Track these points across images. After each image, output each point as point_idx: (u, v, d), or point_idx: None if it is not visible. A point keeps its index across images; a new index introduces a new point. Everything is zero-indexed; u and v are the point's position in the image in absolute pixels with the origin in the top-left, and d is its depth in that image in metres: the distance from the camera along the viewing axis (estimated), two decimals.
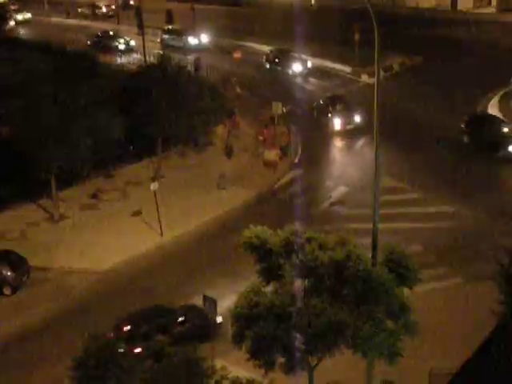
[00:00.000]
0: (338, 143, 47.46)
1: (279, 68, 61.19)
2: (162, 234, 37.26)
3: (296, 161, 45.19)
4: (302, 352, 19.38)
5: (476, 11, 78.26)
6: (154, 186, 36.81)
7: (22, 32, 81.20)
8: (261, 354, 19.46)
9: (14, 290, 33.47)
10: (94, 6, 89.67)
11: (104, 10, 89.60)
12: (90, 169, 40.27)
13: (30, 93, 37.46)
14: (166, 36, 71.93)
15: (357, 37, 58.82)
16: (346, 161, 45.38)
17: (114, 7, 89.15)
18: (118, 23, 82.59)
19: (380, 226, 21.69)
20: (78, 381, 20.05)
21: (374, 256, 21.10)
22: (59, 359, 26.41)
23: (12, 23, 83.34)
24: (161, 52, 52.65)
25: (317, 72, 60.52)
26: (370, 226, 21.75)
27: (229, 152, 46.13)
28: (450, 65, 58.93)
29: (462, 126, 44.46)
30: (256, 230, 21.17)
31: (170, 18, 77.76)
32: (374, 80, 24.02)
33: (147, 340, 26.71)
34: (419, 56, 62.07)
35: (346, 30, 63.02)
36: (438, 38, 67.03)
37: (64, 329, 30.31)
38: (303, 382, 20.85)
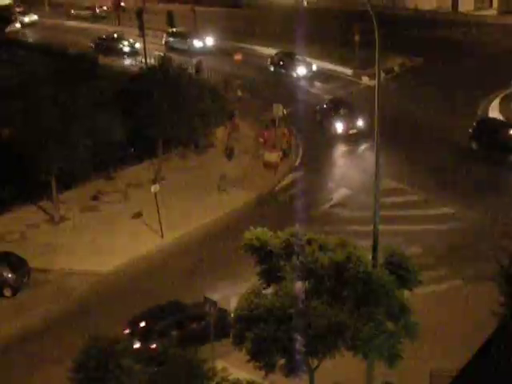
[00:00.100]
0: (340, 147, 47.21)
1: (283, 71, 61.07)
2: (162, 236, 37.26)
3: (297, 163, 45.20)
4: (303, 354, 19.38)
5: (477, 13, 78.21)
6: (154, 187, 36.81)
7: (28, 34, 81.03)
8: (261, 355, 19.47)
9: (15, 292, 33.48)
10: (91, 8, 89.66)
11: (97, 11, 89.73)
12: (90, 170, 40.33)
13: (30, 95, 37.49)
14: (170, 38, 71.74)
15: (357, 38, 58.83)
16: (347, 163, 45.32)
17: (105, 8, 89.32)
18: (119, 25, 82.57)
19: (380, 227, 21.69)
20: (78, 382, 20.04)
21: (374, 258, 21.11)
22: (60, 360, 26.40)
23: (18, 25, 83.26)
24: (161, 54, 52.52)
25: (321, 75, 60.41)
26: (371, 227, 21.76)
27: (229, 154, 46.16)
28: (451, 66, 58.92)
29: (470, 130, 44.04)
30: (256, 232, 21.19)
31: (170, 20, 77.66)
32: (374, 82, 24.06)
33: (163, 336, 27.27)
34: (420, 57, 62.06)
35: (345, 31, 63.03)
36: (438, 40, 67.02)
37: (64, 330, 30.33)
38: (303, 383, 20.84)
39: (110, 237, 37.48)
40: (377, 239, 21.47)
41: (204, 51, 68.40)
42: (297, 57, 60.74)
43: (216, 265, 33.99)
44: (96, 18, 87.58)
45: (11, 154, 38.01)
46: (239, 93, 55.08)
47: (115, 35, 72.31)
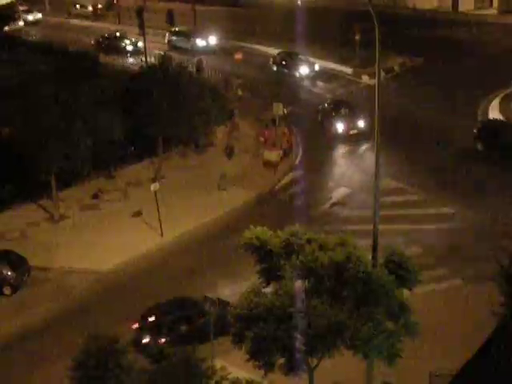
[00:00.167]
0: (340, 147, 46.97)
1: (286, 70, 60.89)
2: (162, 235, 37.26)
3: (297, 162, 45.20)
4: (302, 353, 19.39)
5: (477, 12, 78.17)
6: (154, 186, 36.81)
7: (30, 32, 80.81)
8: (261, 354, 19.48)
9: (15, 290, 33.47)
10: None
11: (90, 9, 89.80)
12: (90, 169, 40.29)
13: (31, 93, 37.48)
14: (173, 37, 71.57)
15: (357, 37, 58.80)
16: (348, 163, 45.24)
17: (100, 6, 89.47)
18: (119, 23, 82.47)
19: (380, 227, 21.70)
20: (77, 381, 20.06)
21: (374, 257, 21.12)
22: (59, 359, 26.43)
23: (21, 23, 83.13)
24: (161, 52, 52.50)
25: (323, 74, 60.28)
26: (371, 227, 21.76)
27: (229, 153, 46.14)
28: (451, 66, 58.89)
29: (475, 131, 43.83)
30: (256, 231, 21.21)
31: (171, 19, 77.52)
32: (374, 81, 24.04)
33: (172, 330, 27.69)
34: (420, 57, 62.02)
35: (345, 31, 63.01)
36: (438, 39, 66.97)
37: (64, 329, 30.34)
38: (303, 383, 20.85)
39: (110, 235, 37.47)
40: (377, 239, 21.48)
41: (207, 50, 68.22)
42: (299, 56, 60.60)
43: (216, 264, 33.99)
44: (96, 17, 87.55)
45: (11, 153, 37.98)
46: (240, 92, 55.05)
47: (118, 34, 72.03)
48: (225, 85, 55.57)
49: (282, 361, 19.65)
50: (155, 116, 41.32)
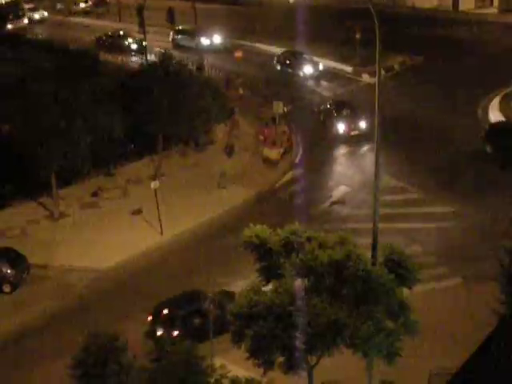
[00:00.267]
0: (341, 147, 46.80)
1: (290, 70, 60.75)
2: (162, 233, 37.28)
3: (297, 161, 45.19)
4: (302, 351, 19.39)
5: (477, 11, 78.16)
6: (154, 184, 36.82)
7: (35, 30, 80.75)
8: (260, 353, 19.48)
9: (14, 288, 33.51)
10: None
11: (82, 6, 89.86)
12: (90, 167, 40.30)
13: (30, 91, 37.46)
14: (177, 36, 71.39)
15: (358, 36, 58.76)
16: (348, 163, 45.18)
17: (90, 3, 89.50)
18: (120, 21, 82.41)
19: (380, 225, 21.71)
20: (77, 379, 20.06)
21: (373, 256, 21.12)
22: (59, 357, 26.40)
23: (25, 21, 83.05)
24: (162, 50, 52.47)
25: (327, 74, 60.10)
26: (370, 225, 21.77)
27: (229, 151, 46.16)
28: (451, 65, 58.86)
29: (483, 134, 43.36)
30: (256, 229, 21.20)
31: (171, 17, 77.38)
32: (374, 80, 24.02)
33: (185, 323, 27.98)
34: (420, 56, 62.00)
35: (346, 29, 62.97)
36: (439, 38, 66.95)
37: (64, 326, 30.36)
38: (302, 381, 20.85)
39: (110, 233, 37.50)
40: (376, 237, 21.49)
41: (211, 49, 68.05)
42: (304, 56, 60.44)
43: (215, 262, 33.98)
44: (85, 14, 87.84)
45: (11, 151, 37.98)
46: (240, 90, 55.03)
47: (121, 32, 71.58)
48: (225, 83, 55.58)
49: (281, 359, 19.64)
50: (155, 114, 41.34)
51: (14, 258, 34.16)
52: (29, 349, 29.23)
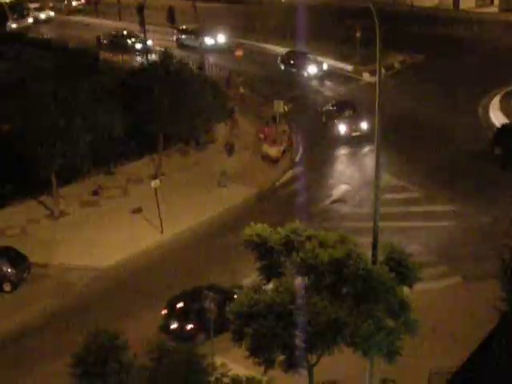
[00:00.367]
0: (341, 147, 46.52)
1: (294, 70, 60.61)
2: (162, 232, 37.27)
3: (297, 159, 45.17)
4: (302, 350, 19.37)
5: (478, 10, 78.20)
6: (154, 183, 36.81)
7: (40, 30, 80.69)
8: (260, 351, 19.46)
9: (15, 287, 33.49)
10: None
11: (74, 4, 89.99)
12: (90, 166, 40.29)
13: (30, 90, 37.44)
14: (181, 36, 71.21)
15: (358, 35, 58.74)
16: (348, 162, 45.10)
17: (83, 1, 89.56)
18: (120, 20, 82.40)
19: (380, 224, 21.67)
20: (78, 377, 20.06)
21: (374, 255, 21.09)
22: (60, 355, 26.37)
23: (30, 20, 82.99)
24: (162, 49, 52.45)
25: (331, 74, 59.96)
26: (371, 224, 21.73)
27: (230, 150, 46.17)
28: (452, 63, 58.89)
29: (491, 136, 43.13)
30: (256, 228, 21.18)
31: (171, 16, 77.27)
32: (375, 78, 23.98)
33: (200, 317, 28.04)
34: (421, 54, 62.00)
35: (343, 28, 62.95)
36: (439, 37, 66.99)
37: (64, 325, 30.36)
38: (302, 380, 20.85)
39: (110, 232, 37.50)
40: (377, 236, 21.43)
41: (215, 49, 67.86)
42: (308, 56, 60.30)
43: (216, 260, 34.01)
44: (73, 12, 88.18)
45: (12, 150, 37.96)
46: (241, 89, 55.02)
47: (125, 32, 71.20)
48: (226, 82, 55.59)
49: (281, 358, 19.63)
50: (156, 113, 41.30)
51: (15, 257, 34.15)
52: (29, 348, 29.22)
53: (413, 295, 20.86)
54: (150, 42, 67.78)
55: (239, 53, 60.33)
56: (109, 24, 78.87)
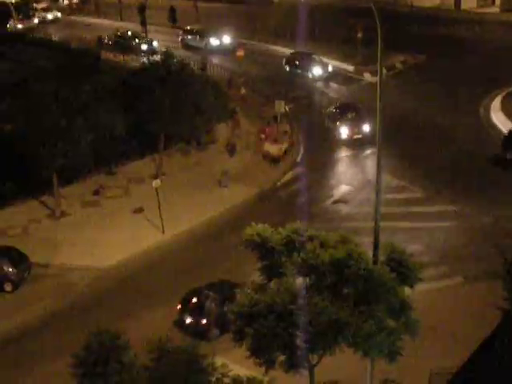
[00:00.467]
0: (343, 149, 46.30)
1: (299, 71, 60.38)
2: (163, 232, 37.27)
3: (298, 159, 45.15)
4: (303, 350, 19.37)
5: (479, 11, 78.17)
6: (156, 183, 36.81)
7: (49, 31, 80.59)
8: (261, 351, 19.46)
9: (16, 287, 33.48)
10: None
11: (65, 2, 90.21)
12: (91, 165, 40.28)
13: (32, 90, 37.47)
14: (186, 36, 71.09)
15: (359, 35, 58.68)
16: (350, 164, 45.02)
17: (76, 1, 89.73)
18: (121, 20, 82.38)
19: (381, 224, 21.67)
20: (79, 377, 20.05)
21: (375, 255, 21.09)
22: (60, 355, 26.38)
23: (36, 21, 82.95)
24: (163, 49, 52.42)
25: (337, 75, 59.72)
26: (372, 224, 21.73)
27: (231, 150, 46.16)
28: (454, 63, 58.86)
29: (502, 139, 42.77)
30: (258, 228, 21.16)
31: (173, 16, 77.18)
32: (376, 79, 23.97)
33: (213, 312, 28.53)
34: (422, 54, 61.98)
35: (345, 28, 62.91)
36: (441, 37, 66.96)
37: (65, 325, 30.38)
38: (304, 380, 20.85)
39: (111, 232, 37.51)
40: (378, 236, 21.43)
41: (221, 49, 67.72)
42: (313, 57, 60.14)
43: (217, 260, 34.01)
44: (72, 11, 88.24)
45: (13, 150, 37.98)
46: (242, 90, 55.02)
47: (129, 32, 70.73)
48: (227, 82, 55.59)
49: (282, 358, 19.62)
50: (157, 113, 41.28)
51: (16, 257, 34.15)
52: (30, 348, 29.23)
53: (413, 295, 20.87)
54: (155, 43, 67.74)
55: (240, 53, 60.30)
56: (110, 24, 78.81)
